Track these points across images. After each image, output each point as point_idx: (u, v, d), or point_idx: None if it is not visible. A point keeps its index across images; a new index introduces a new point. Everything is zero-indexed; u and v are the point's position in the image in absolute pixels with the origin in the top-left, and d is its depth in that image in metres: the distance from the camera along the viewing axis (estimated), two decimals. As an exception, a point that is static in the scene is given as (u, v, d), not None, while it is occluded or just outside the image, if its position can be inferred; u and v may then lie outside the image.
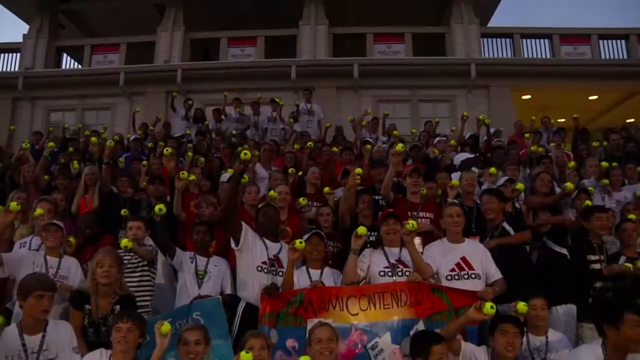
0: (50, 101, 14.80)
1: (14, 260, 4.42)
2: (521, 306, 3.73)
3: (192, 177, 5.99)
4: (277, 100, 10.48)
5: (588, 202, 5.32)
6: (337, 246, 5.14)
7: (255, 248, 4.36)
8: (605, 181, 6.55)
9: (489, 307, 3.40)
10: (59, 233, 4.58)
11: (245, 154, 3.94)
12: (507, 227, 4.96)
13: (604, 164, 6.65)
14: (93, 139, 6.31)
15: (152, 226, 5.00)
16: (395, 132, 8.73)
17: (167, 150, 5.86)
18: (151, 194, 6.08)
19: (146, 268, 4.63)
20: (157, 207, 4.40)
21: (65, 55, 16.41)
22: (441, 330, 3.68)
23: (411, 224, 4.12)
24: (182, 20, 15.15)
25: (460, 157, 7.44)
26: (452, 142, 7.90)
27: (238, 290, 4.42)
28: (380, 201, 5.54)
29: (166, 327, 3.31)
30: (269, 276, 4.28)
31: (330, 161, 7.44)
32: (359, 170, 4.99)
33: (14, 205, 4.03)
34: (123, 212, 5.68)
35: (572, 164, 6.86)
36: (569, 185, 5.49)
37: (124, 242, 4.21)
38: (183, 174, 5.36)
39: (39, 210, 4.86)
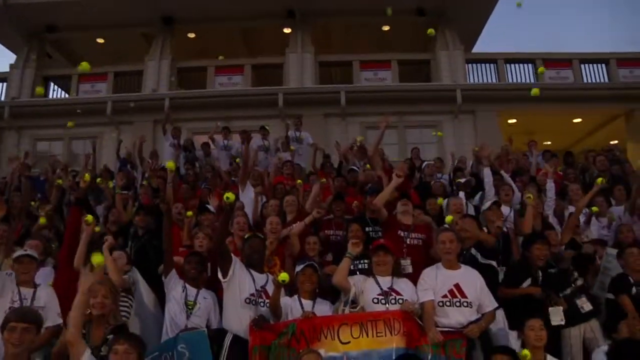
0: (36, 130, 14.73)
1: None
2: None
3: (190, 213, 6.11)
4: (266, 127, 10.52)
5: None
6: (324, 273, 5.08)
7: (244, 280, 4.31)
8: (595, 209, 6.53)
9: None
10: (32, 265, 4.49)
11: (227, 198, 4.02)
12: (475, 252, 4.97)
13: (599, 180, 6.43)
14: (86, 175, 6.15)
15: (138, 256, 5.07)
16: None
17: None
18: (137, 225, 6.08)
19: (123, 295, 4.55)
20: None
21: (52, 84, 16.40)
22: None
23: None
24: (170, 49, 15.25)
25: (488, 173, 7.16)
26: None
27: (224, 323, 4.35)
28: (371, 233, 5.52)
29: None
30: (256, 308, 4.24)
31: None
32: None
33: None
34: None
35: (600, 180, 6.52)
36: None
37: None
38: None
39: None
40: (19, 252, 4.58)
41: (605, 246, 5.77)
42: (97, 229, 4.63)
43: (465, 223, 5.17)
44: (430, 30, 9.28)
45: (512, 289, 4.79)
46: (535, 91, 6.93)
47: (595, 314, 4.84)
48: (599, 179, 6.28)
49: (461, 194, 6.84)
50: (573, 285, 4.92)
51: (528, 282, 4.77)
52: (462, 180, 7.42)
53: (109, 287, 3.79)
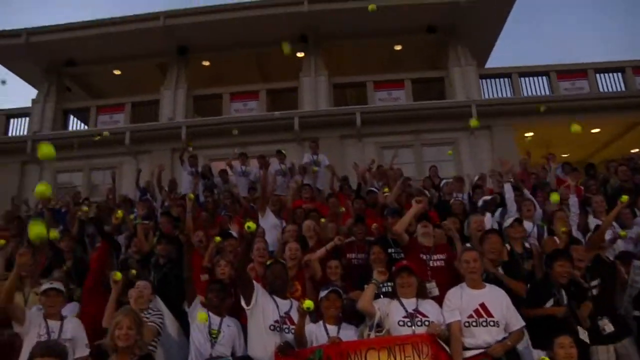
0: (57, 163, 14.90)
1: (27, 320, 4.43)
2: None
3: (218, 238, 6.10)
4: (283, 152, 10.59)
5: None
6: (348, 298, 5.06)
7: (268, 307, 4.32)
8: (623, 233, 6.31)
9: None
10: (59, 298, 4.57)
11: (248, 227, 4.06)
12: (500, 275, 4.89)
13: (624, 198, 6.04)
14: (119, 212, 6.32)
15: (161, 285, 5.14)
16: None
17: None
18: (159, 254, 6.12)
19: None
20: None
21: (71, 117, 16.73)
22: None
23: None
24: (185, 78, 15.52)
25: (509, 189, 7.11)
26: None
27: (249, 351, 4.34)
28: (393, 254, 5.49)
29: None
30: (281, 334, 4.22)
31: (337, 214, 7.34)
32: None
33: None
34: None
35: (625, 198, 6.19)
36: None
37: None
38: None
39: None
40: (45, 286, 4.65)
41: (633, 259, 5.65)
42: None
43: (491, 242, 5.08)
44: (475, 123, 9.56)
45: (535, 310, 4.68)
46: (576, 128, 6.93)
47: (621, 335, 4.75)
48: (624, 197, 6.08)
49: (488, 215, 6.80)
50: (590, 293, 4.87)
51: (551, 302, 4.62)
52: (488, 198, 7.38)
53: (133, 317, 3.82)
